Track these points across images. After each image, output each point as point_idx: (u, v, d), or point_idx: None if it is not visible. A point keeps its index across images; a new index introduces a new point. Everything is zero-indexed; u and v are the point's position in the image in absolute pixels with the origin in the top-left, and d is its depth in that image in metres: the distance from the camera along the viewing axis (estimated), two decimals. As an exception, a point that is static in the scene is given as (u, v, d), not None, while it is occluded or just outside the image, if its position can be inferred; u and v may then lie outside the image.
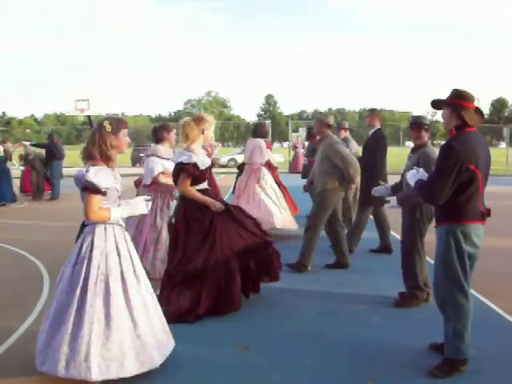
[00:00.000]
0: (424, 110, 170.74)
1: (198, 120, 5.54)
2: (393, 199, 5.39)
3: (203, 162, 5.47)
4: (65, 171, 18.38)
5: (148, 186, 6.72)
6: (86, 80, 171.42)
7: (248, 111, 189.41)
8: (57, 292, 3.99)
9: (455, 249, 4.00)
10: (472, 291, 6.12)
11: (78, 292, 3.84)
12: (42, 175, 16.62)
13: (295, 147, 29.12)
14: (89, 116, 26.58)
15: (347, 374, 4.11)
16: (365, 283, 6.59)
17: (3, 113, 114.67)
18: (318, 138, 7.97)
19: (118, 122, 4.01)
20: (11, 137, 24.53)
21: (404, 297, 5.77)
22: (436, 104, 4.22)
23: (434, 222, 4.37)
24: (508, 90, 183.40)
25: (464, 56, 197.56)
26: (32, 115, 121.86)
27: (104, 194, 3.89)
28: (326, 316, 5.46)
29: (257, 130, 9.63)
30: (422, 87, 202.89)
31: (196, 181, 5.46)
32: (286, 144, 61.32)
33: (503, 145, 45.27)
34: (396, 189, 5.64)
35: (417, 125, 5.73)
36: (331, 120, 7.16)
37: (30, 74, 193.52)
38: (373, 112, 8.49)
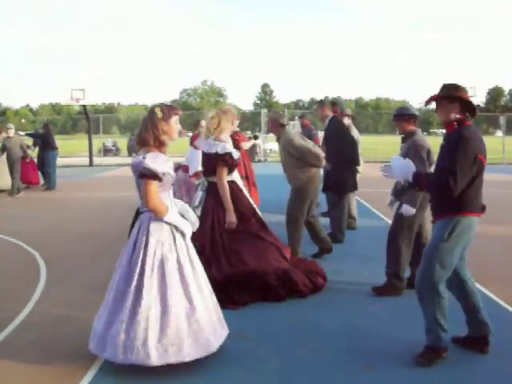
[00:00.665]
0: (420, 99, 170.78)
1: (226, 112, 5.73)
2: (405, 208, 5.37)
3: (235, 152, 5.63)
4: (60, 161, 18.31)
5: (190, 177, 6.80)
6: (82, 70, 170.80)
7: (244, 100, 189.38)
8: (115, 279, 4.04)
9: (458, 240, 3.98)
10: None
11: (135, 279, 3.89)
12: (18, 167, 14.95)
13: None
14: (84, 106, 26.53)
15: (344, 362, 4.10)
16: (362, 272, 6.59)
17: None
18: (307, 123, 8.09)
19: (169, 109, 4.06)
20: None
21: (384, 285, 5.77)
22: (441, 99, 4.14)
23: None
24: (504, 78, 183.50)
25: (460, 45, 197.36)
26: (27, 105, 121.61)
27: (160, 179, 3.91)
28: (322, 305, 5.46)
29: None
30: (418, 76, 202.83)
31: (229, 171, 5.59)
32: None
33: (499, 133, 45.19)
34: (398, 190, 5.59)
35: (396, 116, 5.81)
36: (284, 119, 7.10)
37: (26, 64, 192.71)
38: (321, 103, 8.55)
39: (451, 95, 4.08)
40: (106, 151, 39.55)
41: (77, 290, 6.03)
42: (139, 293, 3.86)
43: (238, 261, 5.41)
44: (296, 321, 5.01)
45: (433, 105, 4.26)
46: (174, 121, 4.06)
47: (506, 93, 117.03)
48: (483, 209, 4.09)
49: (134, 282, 3.89)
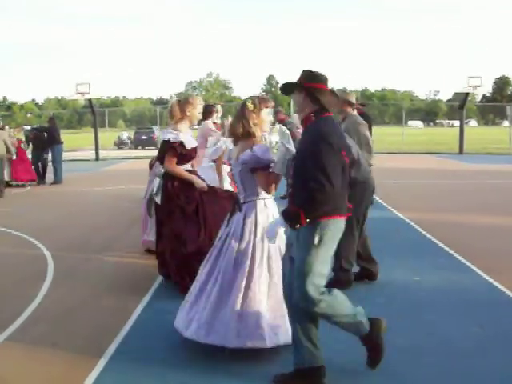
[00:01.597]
0: (426, 89, 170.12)
1: (183, 102, 5.79)
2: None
3: (189, 141, 5.64)
4: (66, 155, 18.29)
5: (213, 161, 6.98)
6: (87, 63, 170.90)
7: (249, 92, 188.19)
8: (220, 265, 4.08)
9: (332, 244, 3.53)
10: (476, 269, 6.16)
11: (246, 266, 4.00)
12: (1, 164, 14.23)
13: (296, 128, 29.00)
14: (90, 99, 26.55)
15: (344, 354, 4.02)
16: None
17: (4, 98, 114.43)
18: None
19: (260, 101, 4.13)
20: (12, 122, 24.31)
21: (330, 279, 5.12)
22: (288, 88, 3.67)
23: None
24: (511, 67, 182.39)
25: (466, 34, 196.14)
26: (33, 100, 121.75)
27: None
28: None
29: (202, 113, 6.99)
30: (424, 66, 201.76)
31: (182, 160, 5.58)
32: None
33: (506, 123, 44.99)
34: None
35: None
36: (353, 97, 6.33)
37: (30, 58, 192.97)
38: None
39: (299, 83, 3.58)
40: (122, 144, 39.66)
41: (84, 283, 6.05)
42: (251, 280, 3.97)
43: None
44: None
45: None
46: (266, 113, 4.14)
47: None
48: (349, 210, 3.60)
49: (246, 270, 3.99)
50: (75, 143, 36.53)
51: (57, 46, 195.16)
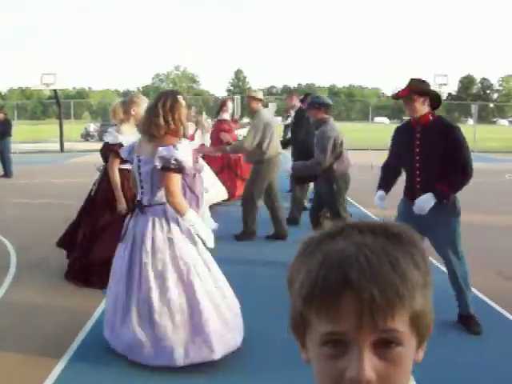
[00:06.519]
0: (393, 86, 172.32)
1: (128, 101, 5.84)
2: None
3: (130, 142, 5.46)
4: (30, 147, 17.91)
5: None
6: (53, 54, 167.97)
7: (217, 86, 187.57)
8: (124, 281, 3.81)
9: None
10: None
11: (170, 281, 3.72)
12: None
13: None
14: (55, 90, 26.09)
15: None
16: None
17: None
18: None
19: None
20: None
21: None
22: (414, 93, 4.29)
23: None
24: (476, 67, 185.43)
25: (432, 33, 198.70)
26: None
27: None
28: (276, 280, 5.45)
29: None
30: (391, 64, 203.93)
31: (123, 161, 5.31)
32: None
33: (471, 121, 45.79)
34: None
35: (308, 104, 6.45)
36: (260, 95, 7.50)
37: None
38: (290, 93, 9.43)
39: (427, 90, 4.35)
40: (89, 136, 38.94)
41: (49, 277, 5.94)
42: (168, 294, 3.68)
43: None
44: (253, 297, 5.01)
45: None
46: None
47: (478, 81, 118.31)
48: None
49: (171, 284, 3.69)
50: (39, 135, 35.84)
51: (23, 34, 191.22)
